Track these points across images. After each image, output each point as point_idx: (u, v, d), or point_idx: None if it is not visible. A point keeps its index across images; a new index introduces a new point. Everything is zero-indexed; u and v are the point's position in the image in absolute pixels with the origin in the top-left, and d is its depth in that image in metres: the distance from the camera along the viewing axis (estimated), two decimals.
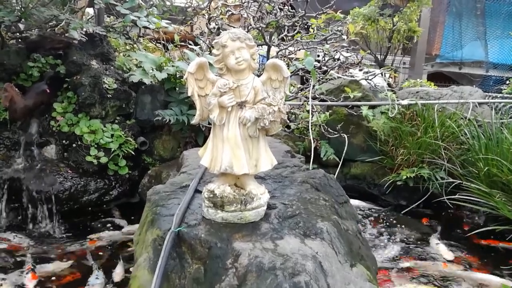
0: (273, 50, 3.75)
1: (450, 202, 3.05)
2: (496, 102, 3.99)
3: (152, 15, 3.39)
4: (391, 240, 2.75)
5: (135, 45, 4.33)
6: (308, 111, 3.49)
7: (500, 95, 4.90)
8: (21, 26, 3.61)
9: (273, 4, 3.29)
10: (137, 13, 3.33)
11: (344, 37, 3.50)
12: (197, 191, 1.75)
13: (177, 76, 3.34)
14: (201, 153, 1.57)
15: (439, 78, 7.69)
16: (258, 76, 1.56)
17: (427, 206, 3.30)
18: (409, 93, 3.97)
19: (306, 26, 3.63)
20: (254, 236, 1.36)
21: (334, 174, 2.92)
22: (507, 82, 5.58)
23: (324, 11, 3.38)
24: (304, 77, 4.02)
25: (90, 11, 4.36)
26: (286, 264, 1.20)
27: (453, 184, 3.07)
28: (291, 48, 3.70)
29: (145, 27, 3.59)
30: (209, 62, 1.51)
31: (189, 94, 1.50)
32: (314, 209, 1.58)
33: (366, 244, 1.68)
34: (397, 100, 3.56)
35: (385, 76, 4.58)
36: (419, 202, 3.26)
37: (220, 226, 1.43)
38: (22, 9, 3.02)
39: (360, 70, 4.10)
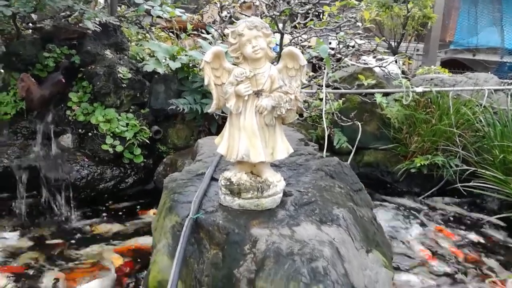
0: (286, 38, 3.73)
1: (464, 189, 3.04)
2: (511, 89, 3.93)
3: (166, 4, 3.39)
4: None
5: (147, 35, 4.35)
6: (320, 99, 3.49)
7: None
8: (34, 16, 3.64)
9: None
10: (151, 2, 3.34)
11: (359, 24, 3.47)
12: (213, 179, 1.78)
13: (190, 65, 3.36)
14: (218, 142, 1.58)
15: (453, 65, 7.60)
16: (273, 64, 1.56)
17: (441, 194, 3.29)
18: (424, 80, 3.93)
19: (318, 13, 3.60)
20: (271, 223, 1.38)
21: (347, 162, 2.92)
22: None
23: None
24: (317, 65, 4.01)
25: (101, 0, 4.39)
26: (303, 249, 1.22)
27: (468, 172, 3.06)
28: (304, 36, 3.68)
29: (159, 17, 3.60)
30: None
31: (205, 83, 1.51)
32: (330, 196, 1.60)
33: (381, 230, 1.69)
34: (412, 88, 3.53)
35: (399, 63, 4.54)
36: (433, 189, 3.26)
37: (237, 213, 1.45)
38: None
39: (374, 57, 4.07)
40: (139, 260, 2.21)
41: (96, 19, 3.15)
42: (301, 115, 3.74)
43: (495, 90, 3.66)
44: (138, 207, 2.91)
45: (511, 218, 2.62)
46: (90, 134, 3.01)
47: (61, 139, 3.02)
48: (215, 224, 1.38)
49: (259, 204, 1.48)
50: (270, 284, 1.18)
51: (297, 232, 1.32)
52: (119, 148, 2.96)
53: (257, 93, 1.46)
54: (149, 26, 4.48)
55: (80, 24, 3.26)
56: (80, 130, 3.06)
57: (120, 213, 2.83)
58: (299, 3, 3.29)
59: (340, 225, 1.39)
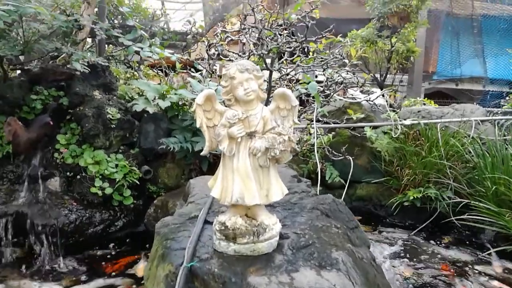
0: (274, 74, 3.76)
1: (459, 222, 3.02)
2: (497, 119, 3.99)
3: (154, 45, 3.42)
4: None
5: (135, 73, 4.36)
6: (310, 134, 3.50)
7: (500, 110, 4.92)
8: (21, 57, 3.62)
9: (273, 31, 3.31)
10: (140, 44, 3.36)
11: (346, 61, 3.53)
12: (207, 222, 1.73)
13: (180, 103, 3.35)
14: (211, 184, 1.55)
15: (437, 96, 7.76)
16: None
17: (436, 227, 3.26)
18: (411, 112, 3.98)
19: (303, 50, 3.64)
20: (269, 269, 1.33)
21: (340, 197, 2.89)
22: (507, 98, 5.62)
23: (324, 35, 3.41)
24: (304, 99, 4.04)
25: (88, 39, 4.40)
26: None
27: (461, 204, 3.04)
28: (292, 72, 3.72)
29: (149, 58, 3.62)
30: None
31: (197, 126, 1.50)
32: (327, 237, 1.56)
33: (381, 271, 1.65)
34: (400, 120, 3.57)
35: (386, 96, 4.60)
36: (426, 222, 3.23)
37: (233, 260, 1.40)
38: (25, 42, 3.04)
39: (361, 91, 4.12)
40: None
41: (85, 60, 3.15)
42: None
43: (482, 121, 3.72)
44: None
45: (507, 251, 2.59)
46: (78, 176, 2.94)
47: (49, 183, 2.95)
48: (211, 273, 1.33)
49: (255, 249, 1.43)
50: None
51: (297, 279, 1.27)
52: (108, 191, 2.89)
53: (250, 135, 1.45)
54: (137, 64, 4.50)
55: (68, 66, 3.25)
56: (68, 173, 2.99)
57: (109, 258, 2.73)
58: (286, 42, 3.33)
59: (340, 269, 1.35)
